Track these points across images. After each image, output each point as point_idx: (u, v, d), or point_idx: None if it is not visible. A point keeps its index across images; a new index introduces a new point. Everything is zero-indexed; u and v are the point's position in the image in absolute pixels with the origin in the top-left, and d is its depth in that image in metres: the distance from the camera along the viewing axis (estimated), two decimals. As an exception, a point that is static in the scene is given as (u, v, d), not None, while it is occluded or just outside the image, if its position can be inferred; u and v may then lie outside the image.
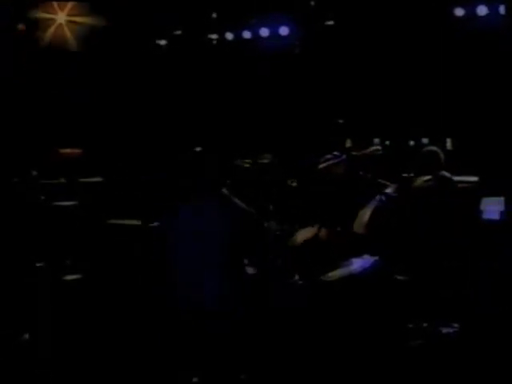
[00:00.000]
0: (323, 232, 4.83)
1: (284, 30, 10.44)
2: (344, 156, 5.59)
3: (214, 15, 10.56)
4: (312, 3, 10.06)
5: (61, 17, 10.59)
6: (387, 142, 9.96)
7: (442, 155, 5.91)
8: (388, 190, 5.37)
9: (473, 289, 5.24)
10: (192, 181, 3.83)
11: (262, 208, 4.26)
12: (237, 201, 3.80)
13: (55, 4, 10.59)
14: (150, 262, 5.02)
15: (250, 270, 3.97)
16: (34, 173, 7.91)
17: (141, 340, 5.02)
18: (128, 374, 4.80)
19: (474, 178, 6.97)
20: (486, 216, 6.01)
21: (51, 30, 10.55)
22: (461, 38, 9.39)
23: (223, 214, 3.72)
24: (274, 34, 10.49)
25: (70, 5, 10.61)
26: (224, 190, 3.83)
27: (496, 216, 5.95)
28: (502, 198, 5.88)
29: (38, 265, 5.89)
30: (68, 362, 4.97)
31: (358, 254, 4.79)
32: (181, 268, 3.72)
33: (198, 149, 3.76)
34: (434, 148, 6.10)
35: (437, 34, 9.45)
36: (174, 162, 6.80)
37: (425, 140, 9.96)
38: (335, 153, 5.70)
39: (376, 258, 4.76)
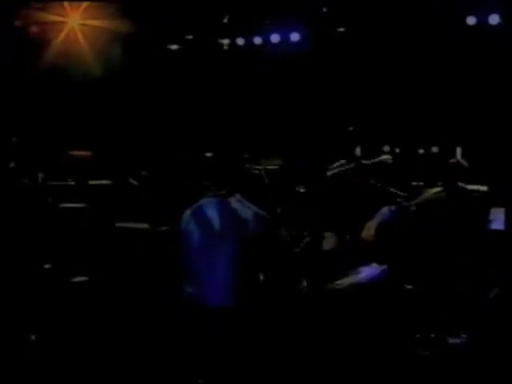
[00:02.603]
0: (331, 239, 4.82)
1: (295, 36, 10.45)
2: (353, 163, 5.59)
3: (226, 20, 10.58)
4: (324, 9, 10.08)
5: (73, 20, 10.63)
6: (397, 150, 9.96)
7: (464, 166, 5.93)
8: (398, 200, 5.36)
9: (481, 299, 5.22)
10: (206, 184, 3.86)
11: (270, 213, 4.25)
12: (251, 205, 3.83)
13: (67, 7, 10.63)
14: (165, 264, 5.03)
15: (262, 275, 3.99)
16: (41, 175, 7.93)
17: (148, 342, 5.02)
18: (134, 375, 4.80)
19: (484, 188, 6.95)
20: (492, 226, 6.03)
21: (63, 33, 10.59)
22: (473, 47, 9.38)
23: (240, 218, 3.75)
24: (285, 39, 10.50)
25: (82, 8, 10.65)
26: (237, 195, 3.86)
27: (501, 226, 5.96)
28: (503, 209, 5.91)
29: (45, 267, 5.90)
30: (75, 364, 4.97)
31: (367, 263, 4.77)
32: (202, 268, 3.75)
33: (210, 154, 3.77)
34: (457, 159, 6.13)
35: (449, 42, 9.45)
36: (187, 166, 6.81)
37: (434, 148, 9.95)
38: (342, 161, 5.71)
39: (384, 266, 4.75)
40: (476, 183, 6.79)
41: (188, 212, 3.89)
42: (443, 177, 5.68)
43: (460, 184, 5.71)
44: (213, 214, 3.79)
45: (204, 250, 3.75)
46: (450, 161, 6.05)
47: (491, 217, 6.09)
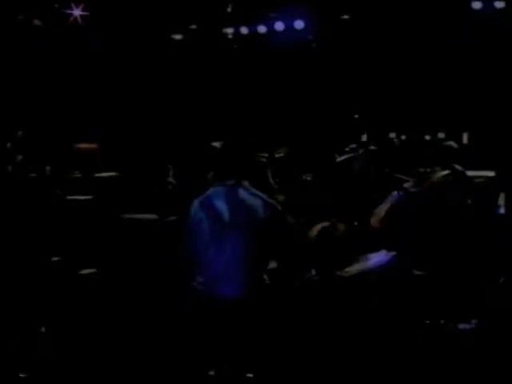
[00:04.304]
0: (340, 226, 4.80)
1: (299, 24, 10.41)
2: (361, 150, 5.58)
3: (229, 9, 10.54)
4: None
5: (76, 12, 10.62)
6: (403, 137, 9.94)
7: (456, 149, 5.93)
8: (406, 185, 5.33)
9: (490, 285, 5.21)
10: (214, 174, 3.85)
11: (277, 201, 4.25)
12: (259, 192, 3.82)
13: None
14: (174, 255, 5.03)
15: (271, 264, 3.98)
16: (48, 168, 7.95)
17: (158, 334, 5.02)
18: (142, 367, 4.81)
19: (491, 173, 6.94)
20: (500, 211, 6.04)
21: (68, 24, 10.58)
22: (478, 32, 9.33)
23: (249, 206, 3.74)
24: (289, 27, 10.46)
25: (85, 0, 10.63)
26: (245, 183, 3.85)
27: (501, 211, 5.98)
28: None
29: (53, 259, 5.91)
30: (83, 355, 4.99)
31: (375, 250, 4.76)
32: (211, 258, 3.74)
33: (216, 143, 3.76)
34: (449, 142, 6.12)
35: (454, 27, 9.40)
36: (195, 156, 6.79)
37: (441, 134, 9.92)
38: (352, 145, 5.68)
39: (393, 253, 4.73)
40: (482, 168, 6.78)
41: (196, 202, 3.88)
42: (439, 160, 5.68)
43: (457, 166, 5.69)
44: (221, 203, 3.78)
45: (213, 239, 3.74)
46: (443, 144, 6.06)
47: (500, 201, 6.09)
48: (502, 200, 6.18)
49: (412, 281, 4.84)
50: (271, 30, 10.59)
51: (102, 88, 10.35)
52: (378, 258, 4.67)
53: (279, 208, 3.84)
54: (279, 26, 10.52)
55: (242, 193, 3.80)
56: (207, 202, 3.83)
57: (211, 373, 3.82)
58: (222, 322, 3.72)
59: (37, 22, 10.49)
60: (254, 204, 3.76)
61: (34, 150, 8.60)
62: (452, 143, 6.04)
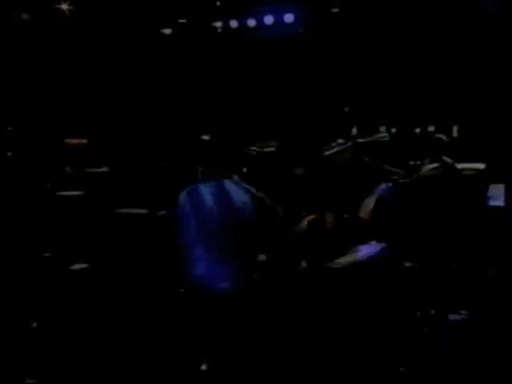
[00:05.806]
0: (329, 218, 4.82)
1: (289, 17, 10.40)
2: (350, 143, 5.58)
3: (218, 3, 10.52)
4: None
5: (64, 6, 10.58)
6: (393, 130, 9.96)
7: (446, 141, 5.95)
8: (395, 177, 5.36)
9: (481, 277, 5.24)
10: (204, 168, 3.86)
11: (268, 194, 4.27)
12: (248, 186, 3.83)
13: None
14: (165, 248, 5.04)
15: (261, 257, 4.00)
16: (39, 164, 7.92)
17: (149, 329, 5.03)
18: (135, 363, 4.82)
19: (481, 165, 6.97)
20: (491, 203, 6.06)
21: (56, 19, 10.54)
22: (469, 25, 9.34)
23: (237, 199, 3.75)
24: (279, 21, 10.45)
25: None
26: (235, 177, 3.86)
27: (500, 203, 6.00)
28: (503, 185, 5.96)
29: (45, 255, 5.91)
30: (76, 351, 4.99)
31: (365, 241, 4.78)
32: (200, 251, 3.75)
33: (206, 137, 3.77)
34: (439, 135, 6.14)
35: (443, 20, 9.41)
36: (184, 150, 6.80)
37: (431, 127, 9.95)
38: (340, 140, 5.69)
39: (383, 244, 4.75)
40: (473, 161, 6.81)
41: (184, 196, 3.88)
42: (429, 153, 5.71)
43: (446, 159, 5.72)
44: (209, 197, 3.79)
45: (201, 234, 3.75)
46: (432, 137, 6.09)
47: (489, 193, 6.12)
48: (491, 191, 6.21)
49: (402, 272, 4.87)
50: (261, 23, 10.57)
51: (91, 83, 10.32)
52: (368, 249, 4.69)
53: (268, 201, 3.86)
54: (269, 19, 10.50)
55: (231, 187, 3.81)
56: (195, 197, 3.84)
57: (204, 367, 3.83)
58: (214, 315, 3.73)
59: (24, 16, 10.43)
60: (243, 198, 3.77)
61: (24, 146, 8.58)
62: (442, 136, 6.07)
